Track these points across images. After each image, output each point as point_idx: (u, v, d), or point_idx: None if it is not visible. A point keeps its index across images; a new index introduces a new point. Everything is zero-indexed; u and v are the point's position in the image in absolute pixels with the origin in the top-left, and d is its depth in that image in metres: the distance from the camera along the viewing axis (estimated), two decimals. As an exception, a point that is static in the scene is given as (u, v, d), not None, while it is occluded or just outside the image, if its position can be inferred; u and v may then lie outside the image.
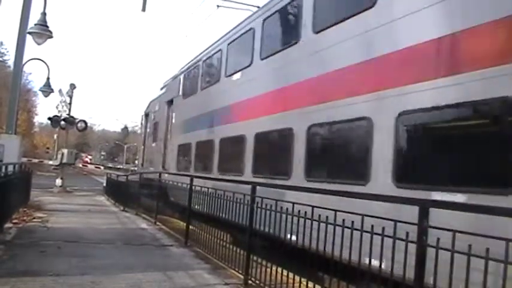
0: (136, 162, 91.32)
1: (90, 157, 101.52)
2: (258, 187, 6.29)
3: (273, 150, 9.45)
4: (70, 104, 23.20)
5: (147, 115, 22.83)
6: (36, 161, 36.14)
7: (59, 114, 23.06)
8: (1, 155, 11.06)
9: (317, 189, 6.10)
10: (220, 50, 12.78)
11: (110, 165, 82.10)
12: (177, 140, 16.09)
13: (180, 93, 16.55)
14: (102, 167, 69.18)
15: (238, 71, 11.40)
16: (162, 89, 20.32)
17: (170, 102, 17.72)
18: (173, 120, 17.11)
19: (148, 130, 22.23)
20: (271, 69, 9.67)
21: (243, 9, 18.09)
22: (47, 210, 12.96)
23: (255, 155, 9.91)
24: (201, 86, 14.43)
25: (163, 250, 8.22)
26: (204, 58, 14.33)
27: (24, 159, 25.21)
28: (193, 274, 6.33)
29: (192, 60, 15.72)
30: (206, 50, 14.29)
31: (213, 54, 13.55)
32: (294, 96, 8.65)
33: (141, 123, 25.09)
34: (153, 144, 20.15)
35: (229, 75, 11.94)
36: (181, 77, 16.70)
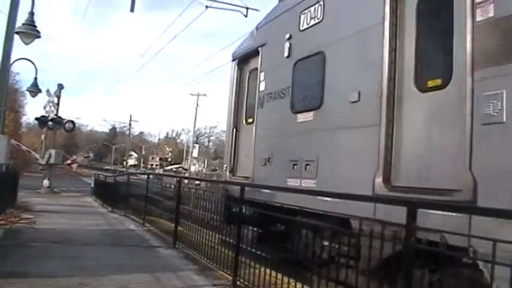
0: (124, 163, 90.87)
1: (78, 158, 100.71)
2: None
3: None
4: (58, 104, 23.01)
5: (248, 57, 10.16)
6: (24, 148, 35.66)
7: (46, 115, 22.79)
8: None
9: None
10: None
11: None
12: None
13: None
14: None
15: None
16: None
17: None
18: None
19: (264, 85, 9.05)
20: None
21: (232, 10, 18.13)
22: (35, 211, 12.84)
23: None
24: None
25: (151, 251, 8.20)
26: None
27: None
28: (181, 275, 6.32)
29: None
30: None
31: None
32: None
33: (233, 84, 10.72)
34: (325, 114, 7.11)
35: None
36: None
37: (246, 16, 18.58)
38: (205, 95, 68.70)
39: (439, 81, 5.23)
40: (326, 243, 5.10)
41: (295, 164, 7.38)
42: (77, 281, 5.52)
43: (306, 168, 7.11)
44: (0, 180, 9.97)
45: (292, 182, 7.37)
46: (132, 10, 19.28)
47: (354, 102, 6.26)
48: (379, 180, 5.62)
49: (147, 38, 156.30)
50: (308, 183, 6.99)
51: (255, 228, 7.05)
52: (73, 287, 5.32)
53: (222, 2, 18.76)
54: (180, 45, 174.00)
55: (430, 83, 5.35)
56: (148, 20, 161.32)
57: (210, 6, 18.83)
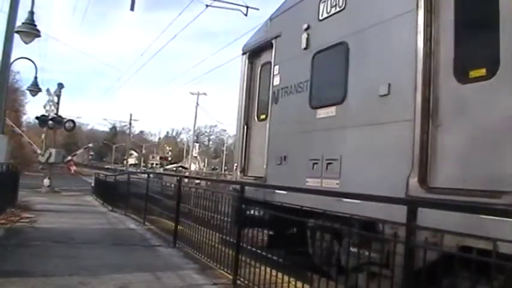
0: (125, 162, 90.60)
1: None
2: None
3: None
4: (58, 103, 23.00)
5: (260, 50, 9.58)
6: (26, 140, 35.65)
7: (46, 114, 22.78)
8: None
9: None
10: None
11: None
12: None
13: None
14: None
15: None
16: None
17: None
18: None
19: (278, 79, 8.46)
20: None
21: (232, 9, 18.13)
22: (35, 210, 12.85)
23: None
24: None
25: (152, 250, 8.21)
26: None
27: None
28: (182, 274, 6.33)
29: None
30: None
31: None
32: None
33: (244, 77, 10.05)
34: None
35: None
36: None
37: (246, 15, 18.61)
38: (205, 93, 68.48)
39: (483, 71, 4.60)
40: (352, 249, 4.56)
41: (316, 163, 6.83)
42: (77, 280, 5.54)
43: (327, 168, 6.57)
44: (1, 179, 9.97)
45: (312, 182, 6.84)
46: (132, 9, 19.35)
47: (383, 95, 5.69)
48: (414, 180, 5.04)
49: (147, 37, 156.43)
50: (330, 184, 6.46)
51: (266, 231, 6.70)
52: (74, 286, 5.33)
53: (222, 1, 18.79)
54: (180, 44, 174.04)
55: (473, 73, 4.71)
56: (148, 19, 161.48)
57: (210, 5, 18.88)
